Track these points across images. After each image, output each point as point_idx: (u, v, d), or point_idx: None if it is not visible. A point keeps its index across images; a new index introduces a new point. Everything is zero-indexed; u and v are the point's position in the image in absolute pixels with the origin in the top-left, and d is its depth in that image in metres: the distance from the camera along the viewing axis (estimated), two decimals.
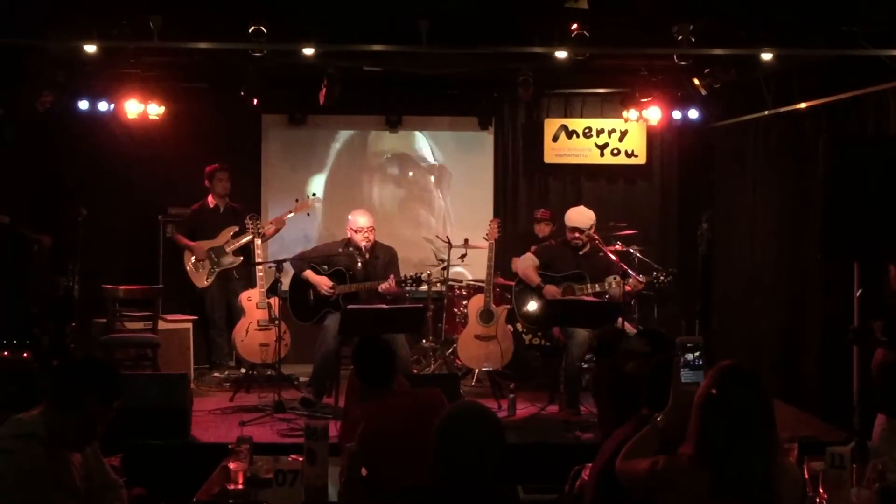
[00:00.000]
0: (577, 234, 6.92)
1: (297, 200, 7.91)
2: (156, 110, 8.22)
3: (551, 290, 6.85)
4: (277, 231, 7.99)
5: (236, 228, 7.89)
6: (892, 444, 4.41)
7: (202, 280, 7.85)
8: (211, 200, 8.04)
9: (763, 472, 2.59)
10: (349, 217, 7.15)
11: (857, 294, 5.37)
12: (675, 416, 2.83)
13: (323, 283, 6.92)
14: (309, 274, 6.98)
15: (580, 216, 7.00)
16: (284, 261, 6.99)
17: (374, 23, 6.35)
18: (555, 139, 8.98)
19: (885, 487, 3.16)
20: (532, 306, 7.00)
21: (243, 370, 7.52)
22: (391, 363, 4.10)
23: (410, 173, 9.23)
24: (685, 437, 2.71)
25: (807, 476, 3.31)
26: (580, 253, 6.99)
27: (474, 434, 2.65)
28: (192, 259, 7.85)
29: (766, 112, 7.56)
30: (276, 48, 6.40)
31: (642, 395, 3.24)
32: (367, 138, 9.21)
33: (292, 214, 7.97)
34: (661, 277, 6.84)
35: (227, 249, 7.86)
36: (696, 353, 2.91)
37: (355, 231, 6.99)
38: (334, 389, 6.69)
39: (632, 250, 7.56)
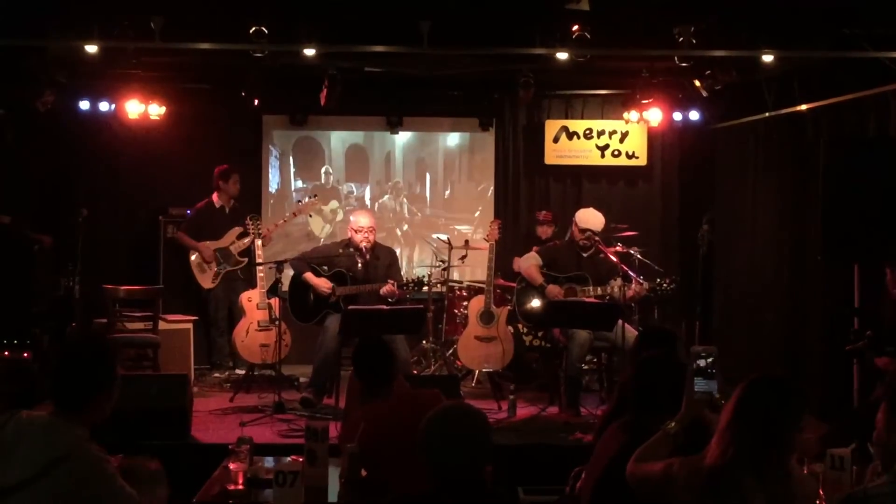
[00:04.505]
0: (587, 236, 6.89)
1: (298, 202, 7.89)
2: (157, 111, 8.23)
3: (553, 291, 6.84)
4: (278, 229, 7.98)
5: (241, 229, 7.86)
6: None
7: (208, 281, 7.83)
8: (216, 200, 8.00)
9: (785, 480, 2.62)
10: (351, 217, 7.16)
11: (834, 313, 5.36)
12: (688, 424, 2.84)
13: (322, 284, 6.91)
14: (309, 276, 6.97)
15: (594, 218, 6.98)
16: (285, 261, 7.00)
17: (376, 24, 6.35)
18: (555, 140, 8.98)
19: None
20: (535, 303, 6.97)
21: (243, 371, 7.52)
22: (391, 364, 4.10)
23: (411, 174, 9.22)
24: (707, 443, 2.70)
25: None
26: (584, 255, 6.98)
27: (457, 434, 2.61)
28: (199, 259, 7.83)
29: (767, 114, 7.56)
30: (277, 49, 6.39)
31: (630, 396, 3.21)
32: (367, 139, 9.21)
33: (296, 217, 7.95)
34: (665, 284, 6.82)
35: (233, 251, 7.85)
36: (710, 361, 2.88)
37: (356, 231, 6.99)
38: (335, 390, 6.68)
39: (633, 252, 7.55)
